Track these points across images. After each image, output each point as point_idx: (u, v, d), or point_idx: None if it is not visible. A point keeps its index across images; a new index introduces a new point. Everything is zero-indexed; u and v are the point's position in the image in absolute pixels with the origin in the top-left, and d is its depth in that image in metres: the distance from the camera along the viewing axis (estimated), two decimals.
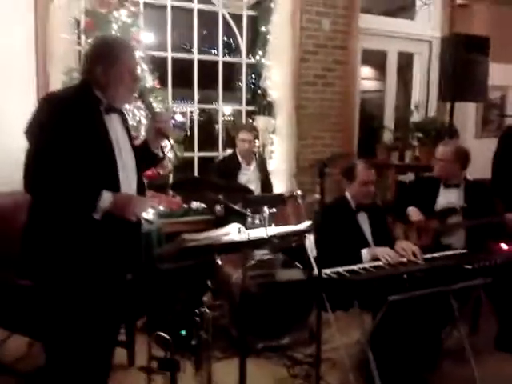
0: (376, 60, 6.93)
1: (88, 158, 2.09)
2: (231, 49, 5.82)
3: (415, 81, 6.17)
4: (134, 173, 2.30)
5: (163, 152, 2.47)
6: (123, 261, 2.30)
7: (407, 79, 6.29)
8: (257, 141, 4.62)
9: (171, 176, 4.85)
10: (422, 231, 3.74)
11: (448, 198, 3.77)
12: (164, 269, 3.62)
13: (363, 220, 3.41)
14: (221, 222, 4.38)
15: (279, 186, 4.99)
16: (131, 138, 2.38)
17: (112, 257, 2.21)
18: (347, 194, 3.43)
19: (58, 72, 4.03)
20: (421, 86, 6.07)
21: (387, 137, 5.74)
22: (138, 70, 3.75)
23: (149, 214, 4.17)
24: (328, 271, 2.66)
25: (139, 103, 3.34)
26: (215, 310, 3.57)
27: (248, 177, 4.59)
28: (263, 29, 5.09)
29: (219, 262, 3.71)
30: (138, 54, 3.94)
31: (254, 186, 4.56)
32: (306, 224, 3.33)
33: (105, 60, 2.19)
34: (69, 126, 2.06)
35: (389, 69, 5.89)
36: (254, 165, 4.65)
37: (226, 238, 2.27)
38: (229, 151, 4.94)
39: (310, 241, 3.53)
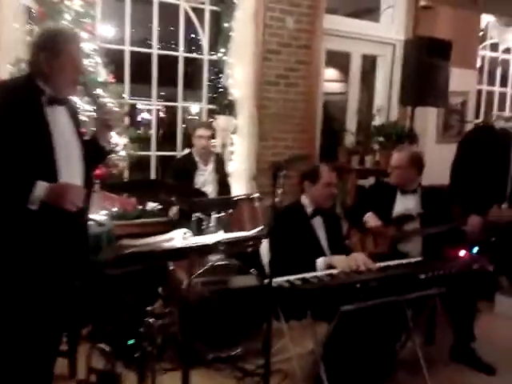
0: (339, 62, 6.90)
1: (23, 149, 2.05)
2: (196, 46, 5.65)
3: (378, 84, 6.14)
4: (80, 167, 2.27)
5: (110, 145, 2.49)
6: (68, 263, 2.24)
7: (370, 82, 6.26)
8: (214, 140, 4.47)
9: (125, 175, 4.68)
10: (378, 238, 3.69)
11: (405, 204, 3.72)
12: (111, 274, 3.46)
13: (318, 225, 3.33)
14: (175, 225, 4.26)
15: (238, 188, 4.86)
16: (80, 132, 2.35)
17: (55, 257, 2.16)
18: (303, 199, 3.35)
19: (6, 62, 3.81)
20: (383, 90, 6.04)
21: (349, 140, 5.69)
22: (87, 63, 3.59)
23: (99, 215, 4.00)
24: (279, 279, 2.56)
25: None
26: (164, 318, 3.46)
27: (205, 178, 4.46)
28: (226, 25, 4.95)
29: (171, 268, 3.57)
30: (91, 46, 3.76)
31: (211, 188, 4.43)
32: (258, 229, 3.21)
33: (49, 51, 2.18)
34: (5, 115, 2.05)
35: (352, 71, 5.84)
36: (211, 165, 4.52)
37: (167, 245, 2.13)
38: (186, 151, 4.79)
39: (264, 247, 3.42)
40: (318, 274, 2.72)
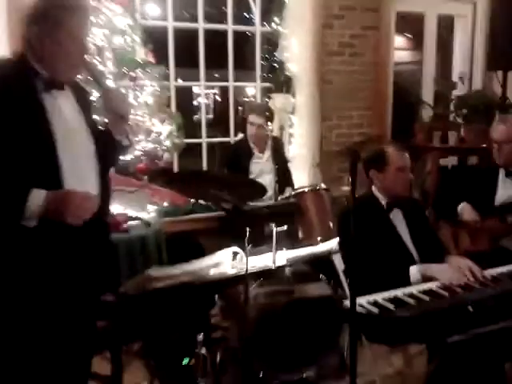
0: (409, 27, 6.12)
1: (15, 147, 1.62)
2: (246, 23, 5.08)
3: (457, 49, 5.33)
4: (93, 167, 1.83)
5: (129, 139, 1.97)
6: (86, 280, 1.81)
7: (446, 48, 5.46)
8: (270, 124, 3.85)
9: (174, 167, 4.21)
10: (476, 234, 3.01)
11: (510, 189, 3.02)
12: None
13: (398, 220, 2.69)
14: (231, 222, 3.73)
15: (299, 176, 4.28)
16: (92, 121, 1.92)
17: (64, 277, 1.73)
18: (374, 190, 2.72)
19: None
20: (463, 55, 5.23)
21: (426, 115, 4.94)
22: (120, 41, 3.10)
23: (146, 213, 3.54)
24: (363, 300, 1.97)
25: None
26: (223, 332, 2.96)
27: (261, 166, 3.89)
28: None
29: None
30: (125, 21, 3.26)
31: (269, 179, 3.86)
32: (332, 243, 2.60)
33: (43, 24, 1.73)
34: None
35: (427, 34, 5.06)
36: (268, 152, 3.94)
37: (214, 272, 1.58)
38: (240, 136, 4.24)
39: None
40: (414, 290, 2.10)
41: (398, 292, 2.07)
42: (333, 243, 2.29)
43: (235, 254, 1.68)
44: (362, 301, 1.96)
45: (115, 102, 1.85)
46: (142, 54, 3.34)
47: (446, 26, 5.37)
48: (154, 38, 3.91)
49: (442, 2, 4.99)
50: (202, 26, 4.29)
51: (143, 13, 4.08)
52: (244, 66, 5.27)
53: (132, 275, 3.13)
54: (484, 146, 4.11)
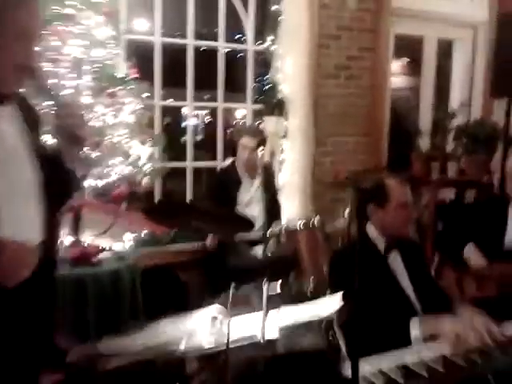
0: (405, 50, 5.91)
1: None
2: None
3: (455, 75, 5.13)
4: (35, 202, 1.43)
5: (84, 168, 1.68)
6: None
7: (443, 73, 5.25)
8: (262, 149, 3.55)
9: (155, 193, 3.90)
10: (484, 280, 2.74)
11: None
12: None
13: (397, 264, 2.39)
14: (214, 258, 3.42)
15: (289, 206, 3.99)
16: (39, 146, 1.49)
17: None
18: (369, 228, 2.42)
19: None
20: (462, 81, 5.03)
21: (423, 144, 4.70)
22: (101, 53, 2.81)
23: (120, 243, 3.22)
24: (367, 372, 1.65)
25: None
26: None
27: (250, 196, 3.60)
28: (274, 8, 4.09)
29: None
30: (108, 32, 2.97)
31: (258, 209, 3.56)
32: (333, 306, 2.25)
33: None
34: None
35: (426, 59, 4.85)
36: (258, 180, 3.65)
37: (183, 345, 1.24)
38: (228, 161, 3.95)
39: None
40: (424, 355, 1.80)
41: (407, 358, 1.76)
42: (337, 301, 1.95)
43: (215, 317, 1.35)
44: (365, 370, 1.65)
45: (70, 121, 1.43)
46: (124, 69, 3.04)
47: (443, 50, 5.17)
48: (140, 55, 3.63)
49: (441, 25, 4.79)
50: (191, 42, 4.02)
51: (129, 27, 3.81)
52: (234, 87, 5.02)
53: (100, 317, 2.81)
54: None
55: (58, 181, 1.47)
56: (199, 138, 9.46)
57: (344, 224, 3.33)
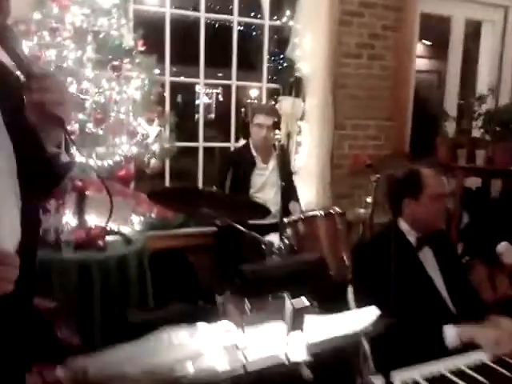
0: (427, 32, 5.61)
1: None
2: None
3: (482, 57, 4.83)
4: (12, 191, 1.13)
5: (69, 153, 1.24)
6: None
7: (470, 55, 4.96)
8: (278, 130, 3.26)
9: (166, 175, 3.69)
10: None
11: None
12: (137, 322, 2.46)
13: (429, 261, 2.16)
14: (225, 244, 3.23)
15: (305, 191, 3.77)
16: (17, 125, 1.16)
17: None
18: (401, 220, 2.19)
19: None
20: (491, 64, 4.74)
21: (448, 130, 4.42)
22: (103, 22, 2.58)
23: (127, 226, 3.02)
24: (398, 382, 1.44)
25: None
26: None
27: (264, 179, 3.38)
28: None
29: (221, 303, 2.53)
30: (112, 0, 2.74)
31: (272, 193, 3.35)
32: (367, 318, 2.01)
33: None
34: None
35: (454, 40, 4.56)
36: (273, 162, 3.43)
37: (191, 368, 0.99)
38: (241, 142, 3.72)
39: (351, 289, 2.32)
40: (462, 365, 1.57)
41: (441, 366, 1.54)
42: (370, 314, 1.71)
43: (228, 331, 1.10)
44: (396, 380, 1.44)
45: (50, 95, 1.11)
46: (129, 40, 2.81)
47: (470, 32, 4.88)
48: (148, 28, 3.39)
49: (470, 5, 4.50)
50: (203, 15, 3.78)
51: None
52: (249, 66, 4.78)
53: (105, 304, 2.63)
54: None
55: (38, 167, 1.19)
56: (211, 116, 9.30)
57: (365, 212, 3.14)
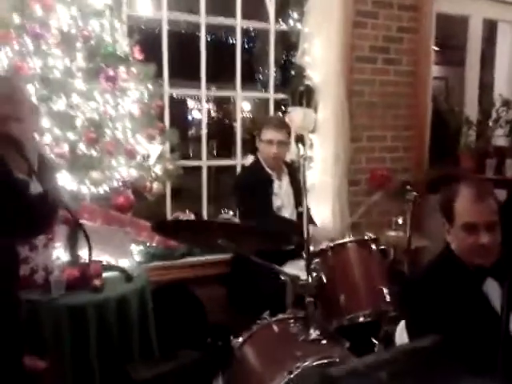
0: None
1: None
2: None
3: (499, 60, 4.54)
4: None
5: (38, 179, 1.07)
6: None
7: (484, 58, 4.66)
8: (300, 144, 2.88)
9: (167, 200, 3.32)
10: None
11: None
12: (140, 379, 2.08)
13: (495, 294, 1.82)
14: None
15: (321, 213, 3.41)
16: None
17: None
18: (453, 247, 1.85)
19: None
20: (510, 67, 4.44)
21: (468, 138, 4.09)
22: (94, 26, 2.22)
23: (128, 259, 2.64)
24: None
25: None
26: None
27: (281, 199, 3.01)
28: None
29: (238, 349, 2.13)
30: (105, 0, 2.38)
31: (287, 214, 2.99)
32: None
33: None
34: None
35: (472, 41, 4.25)
36: (286, 179, 3.08)
37: None
38: (250, 159, 3.35)
39: (399, 332, 1.96)
40: None
41: None
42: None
43: None
44: None
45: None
46: (124, 46, 2.44)
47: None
48: (143, 37, 3.04)
49: (487, 4, 4.20)
50: (203, 20, 3.43)
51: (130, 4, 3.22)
52: (247, 78, 4.44)
53: (105, 355, 2.26)
54: None
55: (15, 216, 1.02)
56: (204, 132, 8.97)
57: (396, 236, 2.78)
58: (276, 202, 2.97)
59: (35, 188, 1.05)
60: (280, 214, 2.96)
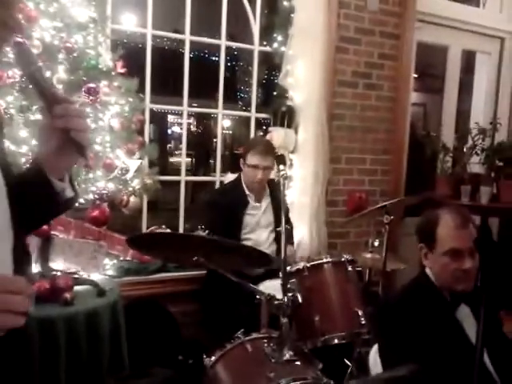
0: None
1: None
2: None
3: (477, 89, 4.65)
4: (7, 224, 1.07)
5: (73, 187, 1.18)
6: None
7: (464, 87, 4.77)
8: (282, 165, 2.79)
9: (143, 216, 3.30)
10: None
11: None
12: None
13: (467, 321, 1.85)
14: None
15: (298, 233, 3.42)
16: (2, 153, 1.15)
17: None
18: (428, 272, 1.88)
19: None
20: (486, 96, 4.55)
21: (445, 165, 4.16)
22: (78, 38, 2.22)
23: (100, 274, 2.60)
24: None
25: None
26: None
27: (256, 220, 3.01)
28: (285, 3, 3.56)
29: (210, 367, 2.10)
30: (89, 13, 2.38)
31: (265, 234, 2.99)
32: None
33: None
34: None
35: (450, 71, 4.36)
36: (267, 200, 3.08)
37: None
38: (230, 176, 3.36)
39: (373, 355, 1.96)
40: None
41: None
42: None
43: None
44: None
45: (74, 121, 1.05)
46: (107, 60, 2.44)
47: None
48: (126, 50, 3.04)
49: (467, 35, 4.31)
50: (188, 37, 3.45)
51: (115, 16, 3.23)
52: (227, 95, 4.46)
53: (75, 371, 2.20)
54: None
55: (39, 200, 1.12)
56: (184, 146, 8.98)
57: (372, 258, 2.80)
58: (252, 221, 2.96)
59: (69, 193, 1.15)
60: (255, 232, 2.95)
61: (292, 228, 3.21)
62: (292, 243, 3.13)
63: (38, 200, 1.11)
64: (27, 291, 0.88)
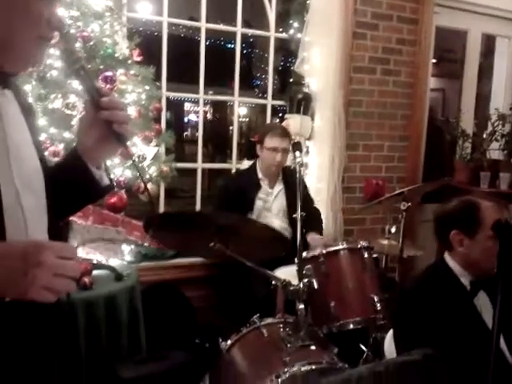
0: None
1: None
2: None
3: (497, 75, 4.57)
4: (43, 208, 1.12)
5: (109, 175, 1.25)
6: None
7: (483, 72, 4.70)
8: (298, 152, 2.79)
9: (160, 203, 3.33)
10: None
11: None
12: (127, 377, 2.08)
13: (485, 308, 1.84)
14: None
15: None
16: (37, 141, 1.18)
17: None
18: (451, 261, 1.87)
19: None
20: (507, 82, 4.47)
21: (465, 151, 4.12)
22: (95, 27, 2.24)
23: (118, 259, 2.64)
24: None
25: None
26: None
27: (268, 205, 3.03)
28: None
29: (226, 351, 2.13)
30: (105, 2, 2.40)
31: (277, 222, 3.00)
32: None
33: None
34: None
35: (469, 55, 4.28)
36: (278, 187, 3.09)
37: None
38: (246, 163, 3.37)
39: (388, 340, 1.97)
40: None
41: None
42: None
43: None
44: None
45: (118, 114, 1.12)
46: (124, 48, 2.46)
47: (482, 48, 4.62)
48: (143, 38, 3.06)
49: (486, 19, 4.23)
50: (204, 25, 3.45)
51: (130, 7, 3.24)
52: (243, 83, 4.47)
53: (94, 352, 2.26)
54: None
55: (78, 188, 1.19)
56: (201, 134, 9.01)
57: (389, 244, 2.79)
58: (259, 206, 2.98)
59: (105, 180, 1.22)
60: (262, 217, 2.97)
61: (319, 215, 3.22)
62: (320, 232, 3.12)
63: (78, 187, 1.17)
64: (76, 257, 0.94)
